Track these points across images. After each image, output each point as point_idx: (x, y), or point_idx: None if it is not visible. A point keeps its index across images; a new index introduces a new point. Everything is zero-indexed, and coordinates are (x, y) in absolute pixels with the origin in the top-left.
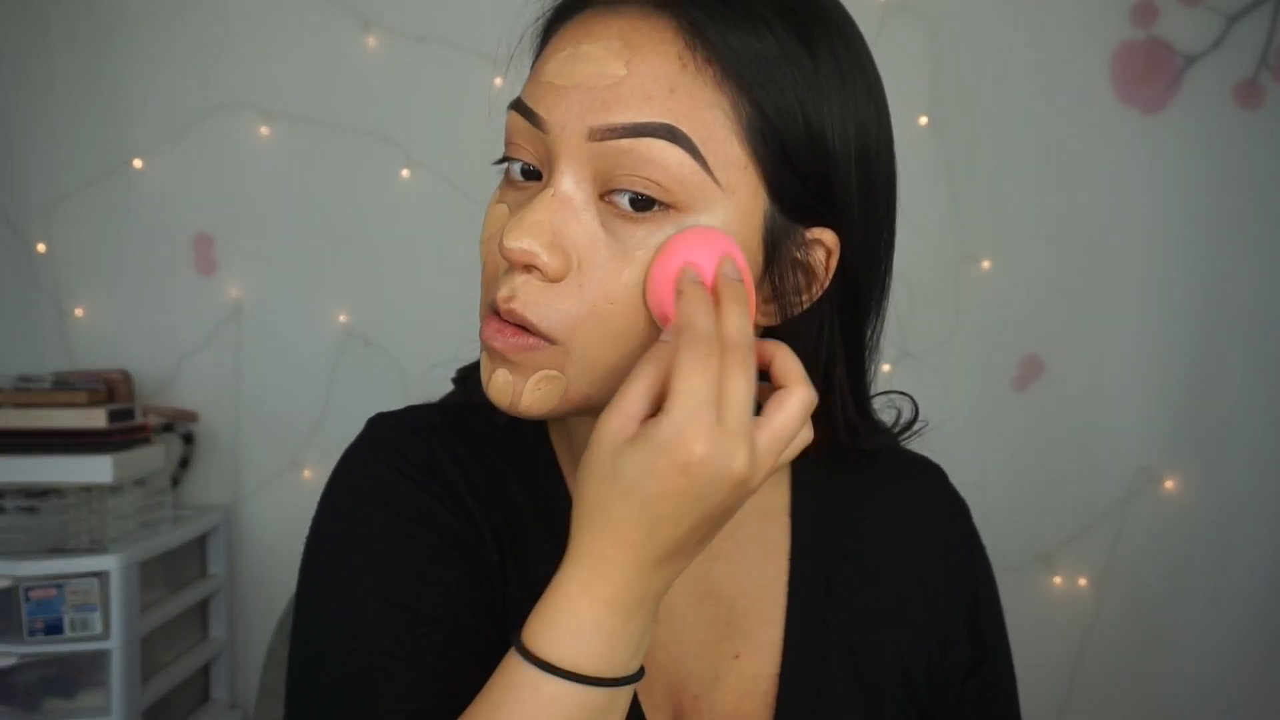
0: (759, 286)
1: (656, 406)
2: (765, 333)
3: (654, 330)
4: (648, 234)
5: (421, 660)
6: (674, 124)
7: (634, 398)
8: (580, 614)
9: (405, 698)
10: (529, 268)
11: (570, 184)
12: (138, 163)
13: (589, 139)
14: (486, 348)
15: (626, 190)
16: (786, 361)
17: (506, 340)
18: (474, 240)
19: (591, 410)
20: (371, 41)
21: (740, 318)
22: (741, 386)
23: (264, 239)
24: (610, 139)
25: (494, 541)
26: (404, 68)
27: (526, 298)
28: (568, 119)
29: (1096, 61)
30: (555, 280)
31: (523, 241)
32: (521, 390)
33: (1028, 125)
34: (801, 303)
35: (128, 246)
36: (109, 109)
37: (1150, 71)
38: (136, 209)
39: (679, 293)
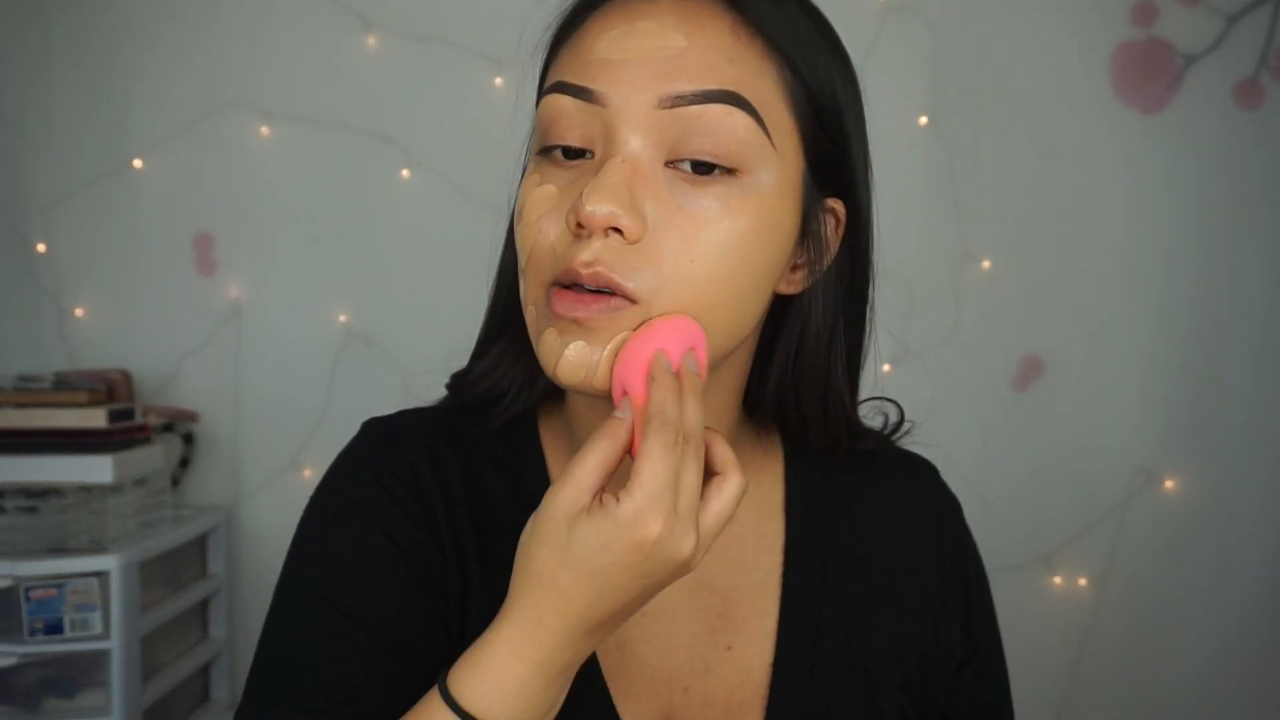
0: (794, 253)
1: (605, 481)
2: (784, 301)
3: (718, 304)
4: (714, 198)
5: (348, 663)
6: (738, 90)
7: (589, 470)
8: (507, 673)
9: (323, 697)
10: (609, 231)
11: (639, 148)
12: (138, 163)
13: (658, 107)
14: (561, 320)
15: (692, 156)
16: (724, 450)
17: (590, 308)
18: (474, 240)
19: None
20: (371, 41)
21: (698, 411)
22: (695, 475)
23: (264, 239)
24: (679, 106)
25: (456, 556)
26: (404, 68)
27: (611, 260)
28: (632, 90)
29: (1096, 61)
30: (634, 242)
31: (605, 204)
32: (598, 361)
33: (1028, 125)
34: (816, 272)
35: (128, 246)
36: (109, 109)
37: (1150, 71)
38: (136, 209)
39: (652, 379)
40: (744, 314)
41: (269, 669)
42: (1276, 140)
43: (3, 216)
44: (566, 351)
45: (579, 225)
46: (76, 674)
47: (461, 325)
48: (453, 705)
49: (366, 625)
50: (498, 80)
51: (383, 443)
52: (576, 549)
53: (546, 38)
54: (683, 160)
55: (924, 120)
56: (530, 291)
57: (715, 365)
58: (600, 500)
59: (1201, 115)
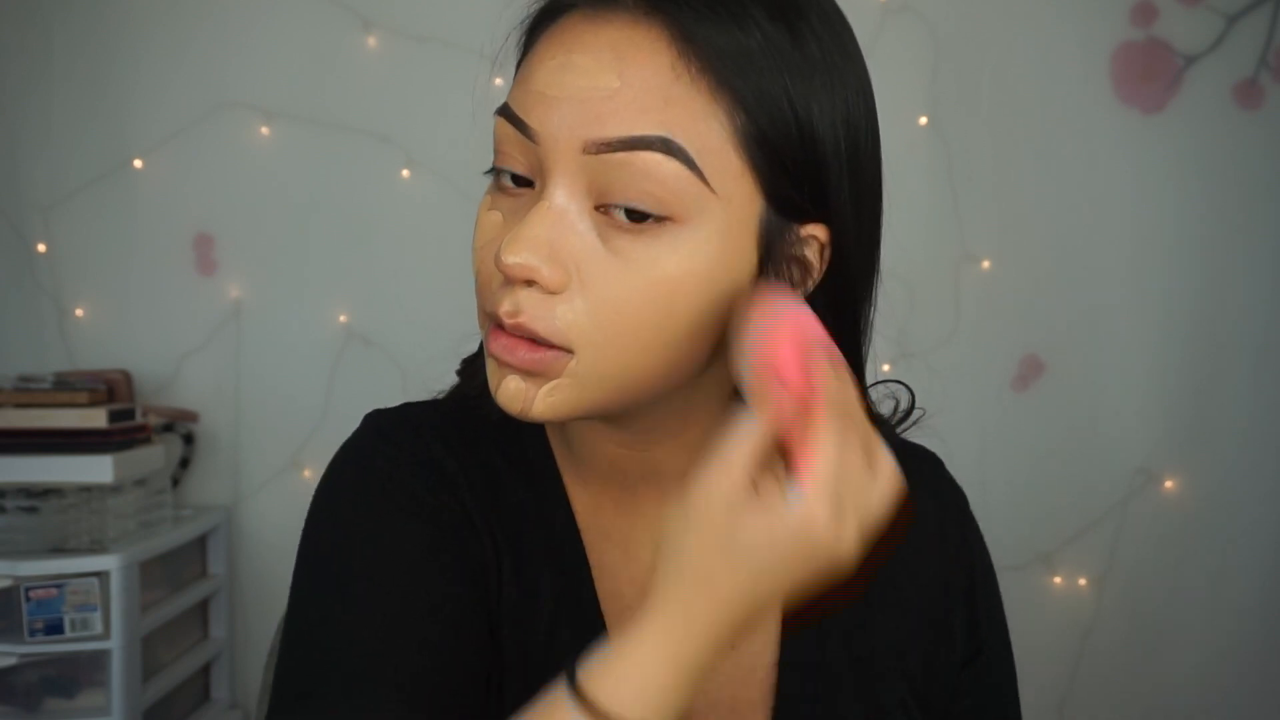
0: (754, 285)
1: (757, 468)
2: None
3: (664, 343)
4: (645, 246)
5: (414, 652)
6: (670, 136)
7: (743, 457)
8: (655, 677)
9: (397, 687)
10: (529, 282)
11: (564, 196)
12: (138, 163)
13: (583, 152)
14: (496, 359)
15: (621, 204)
16: (881, 443)
17: (519, 356)
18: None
19: (601, 415)
20: (371, 41)
21: (858, 399)
22: (860, 468)
23: (264, 239)
24: (605, 152)
25: (489, 536)
26: (404, 68)
27: (532, 311)
28: (560, 131)
29: (1096, 61)
30: (556, 293)
31: (520, 256)
32: (534, 397)
33: (1028, 125)
34: (803, 292)
35: (128, 246)
36: (109, 109)
37: (1150, 71)
38: (136, 209)
39: (813, 364)
40: (678, 360)
41: (320, 665)
42: (1276, 140)
43: (3, 216)
44: (505, 383)
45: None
46: (76, 674)
47: (462, 325)
48: (590, 707)
49: (417, 607)
50: (498, 80)
51: (392, 429)
52: (741, 545)
53: (519, 40)
54: (614, 205)
55: (924, 120)
56: (480, 314)
57: (651, 404)
58: (759, 492)
59: (1201, 115)
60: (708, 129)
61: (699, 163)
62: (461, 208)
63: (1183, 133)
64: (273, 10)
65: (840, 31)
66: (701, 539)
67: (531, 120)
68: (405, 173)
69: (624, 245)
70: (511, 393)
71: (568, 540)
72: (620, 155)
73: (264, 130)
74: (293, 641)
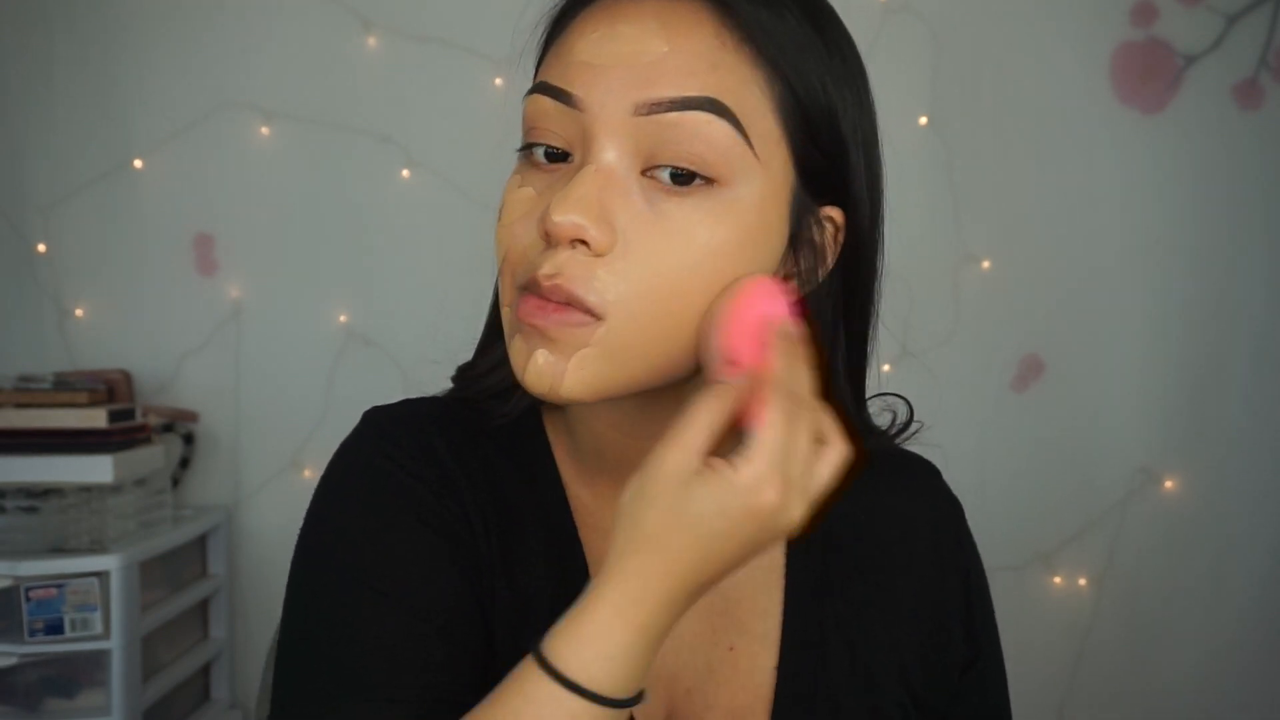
0: (783, 263)
1: (713, 446)
2: None
3: (694, 315)
4: (690, 210)
5: (414, 653)
6: (718, 98)
7: (699, 433)
8: (614, 638)
9: (399, 687)
10: (575, 243)
11: (613, 158)
12: (138, 163)
13: (634, 114)
14: (523, 327)
15: (669, 165)
16: (828, 419)
17: (549, 317)
18: (474, 240)
19: (631, 392)
20: (371, 41)
21: (809, 378)
22: (808, 443)
23: (264, 239)
24: (656, 113)
25: (487, 537)
26: (404, 68)
27: (573, 272)
28: (609, 96)
29: (1096, 61)
30: (601, 254)
31: (571, 215)
32: (564, 372)
33: (1028, 125)
34: (812, 281)
35: (128, 246)
36: (109, 109)
37: (1150, 71)
38: (136, 209)
39: (767, 344)
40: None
41: (319, 666)
42: (1276, 140)
43: (3, 216)
44: (533, 358)
45: (547, 234)
46: (76, 674)
47: (462, 325)
48: (555, 674)
49: (417, 608)
50: (498, 80)
51: (392, 426)
52: (692, 514)
53: (539, 36)
54: (660, 168)
55: (924, 120)
56: (505, 294)
57: (689, 379)
58: (710, 464)
59: (1201, 115)
60: (750, 94)
61: (744, 125)
62: (461, 208)
63: (1183, 133)
64: (273, 10)
65: (852, 42)
66: (656, 509)
67: (575, 88)
68: (405, 173)
69: (669, 208)
70: (540, 367)
71: (566, 541)
72: (670, 115)
73: (264, 130)
74: (292, 642)
